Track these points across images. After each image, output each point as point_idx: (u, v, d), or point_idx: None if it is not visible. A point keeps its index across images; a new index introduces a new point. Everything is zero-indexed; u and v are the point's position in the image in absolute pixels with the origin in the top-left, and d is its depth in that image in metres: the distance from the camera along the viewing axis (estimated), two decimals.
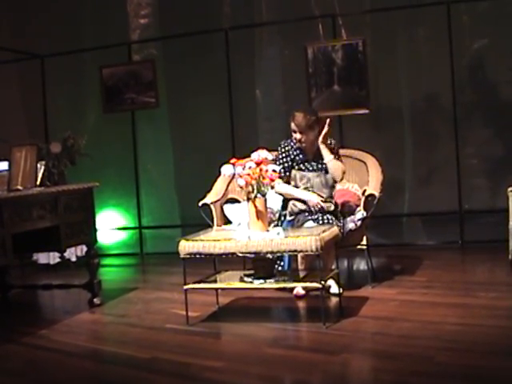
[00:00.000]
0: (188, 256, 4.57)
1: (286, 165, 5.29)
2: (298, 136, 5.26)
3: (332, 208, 5.17)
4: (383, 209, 6.40)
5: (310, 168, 5.32)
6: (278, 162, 5.22)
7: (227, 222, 5.54)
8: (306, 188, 5.25)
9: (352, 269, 6.65)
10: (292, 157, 5.33)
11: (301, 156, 5.33)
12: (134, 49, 8.28)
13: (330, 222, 5.11)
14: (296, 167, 5.32)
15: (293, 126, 5.26)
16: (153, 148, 8.29)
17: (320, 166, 5.31)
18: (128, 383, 3.71)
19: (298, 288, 5.18)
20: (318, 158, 5.32)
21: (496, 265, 6.01)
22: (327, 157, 5.24)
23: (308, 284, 4.71)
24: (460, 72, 7.20)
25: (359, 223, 5.40)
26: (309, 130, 5.23)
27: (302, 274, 4.95)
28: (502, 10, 6.95)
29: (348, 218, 5.40)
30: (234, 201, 5.78)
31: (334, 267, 5.11)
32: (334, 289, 5.14)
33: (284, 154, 5.31)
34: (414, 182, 7.49)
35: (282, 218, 5.23)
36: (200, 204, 5.70)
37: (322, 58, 7.44)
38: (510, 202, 5.68)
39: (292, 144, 5.35)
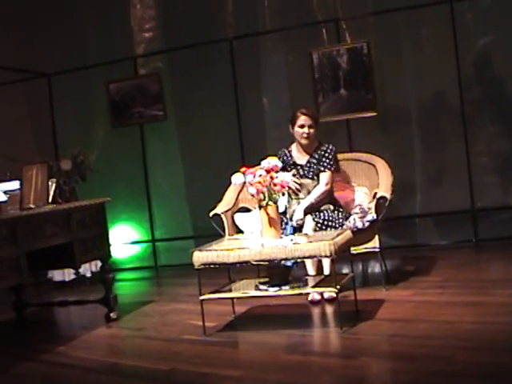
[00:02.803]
0: (202, 266, 4.57)
1: None
2: (306, 130, 5.54)
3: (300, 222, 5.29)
4: (395, 210, 6.39)
5: (309, 175, 5.54)
6: None
7: (238, 231, 5.54)
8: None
9: (366, 272, 6.64)
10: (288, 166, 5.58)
11: (296, 163, 5.59)
12: (139, 63, 8.31)
13: (331, 223, 5.29)
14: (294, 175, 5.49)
15: (303, 120, 5.54)
16: (162, 160, 8.31)
17: (313, 171, 5.54)
18: None
19: (314, 294, 5.18)
20: (313, 157, 5.55)
21: (511, 261, 5.98)
22: (308, 200, 5.41)
23: (323, 289, 4.70)
24: (466, 70, 7.18)
25: (367, 224, 5.40)
26: (316, 124, 5.58)
27: (315, 280, 4.94)
28: (506, 6, 6.93)
29: (356, 217, 5.40)
30: (246, 210, 5.78)
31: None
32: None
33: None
34: (424, 183, 7.46)
35: (285, 225, 5.21)
36: (211, 214, 5.71)
37: (328, 62, 7.44)
38: None
39: (287, 153, 5.64)
